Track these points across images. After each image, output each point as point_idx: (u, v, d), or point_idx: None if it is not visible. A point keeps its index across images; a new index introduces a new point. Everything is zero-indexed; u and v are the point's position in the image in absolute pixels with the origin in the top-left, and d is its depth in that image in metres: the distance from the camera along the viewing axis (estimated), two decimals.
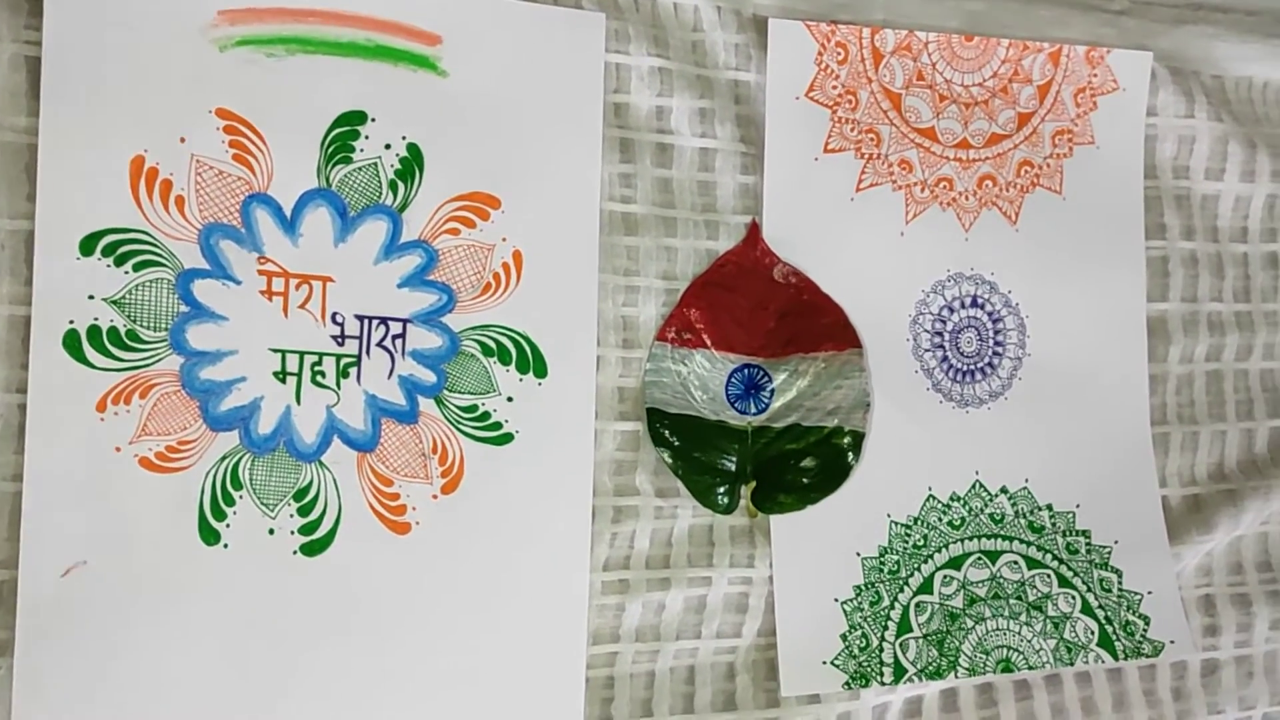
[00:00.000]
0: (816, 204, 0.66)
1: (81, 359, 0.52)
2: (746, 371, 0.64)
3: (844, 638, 0.65)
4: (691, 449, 0.63)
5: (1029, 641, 0.68)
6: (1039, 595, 0.69)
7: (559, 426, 0.60)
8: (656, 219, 0.63)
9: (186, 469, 0.54)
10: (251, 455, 0.55)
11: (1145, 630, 0.70)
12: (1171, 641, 0.70)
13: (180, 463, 0.54)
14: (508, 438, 0.59)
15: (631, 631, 0.62)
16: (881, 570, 0.66)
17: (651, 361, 0.63)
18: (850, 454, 0.64)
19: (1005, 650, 0.68)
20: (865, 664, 0.65)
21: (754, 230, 0.65)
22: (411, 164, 0.58)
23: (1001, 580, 0.68)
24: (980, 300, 0.70)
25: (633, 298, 0.63)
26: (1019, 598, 0.68)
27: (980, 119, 0.70)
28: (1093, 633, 0.69)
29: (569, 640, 0.60)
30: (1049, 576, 0.69)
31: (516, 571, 0.59)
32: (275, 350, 0.56)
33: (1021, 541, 0.69)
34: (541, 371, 0.60)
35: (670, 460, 0.62)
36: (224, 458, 0.55)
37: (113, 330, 0.53)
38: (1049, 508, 0.70)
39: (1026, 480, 0.69)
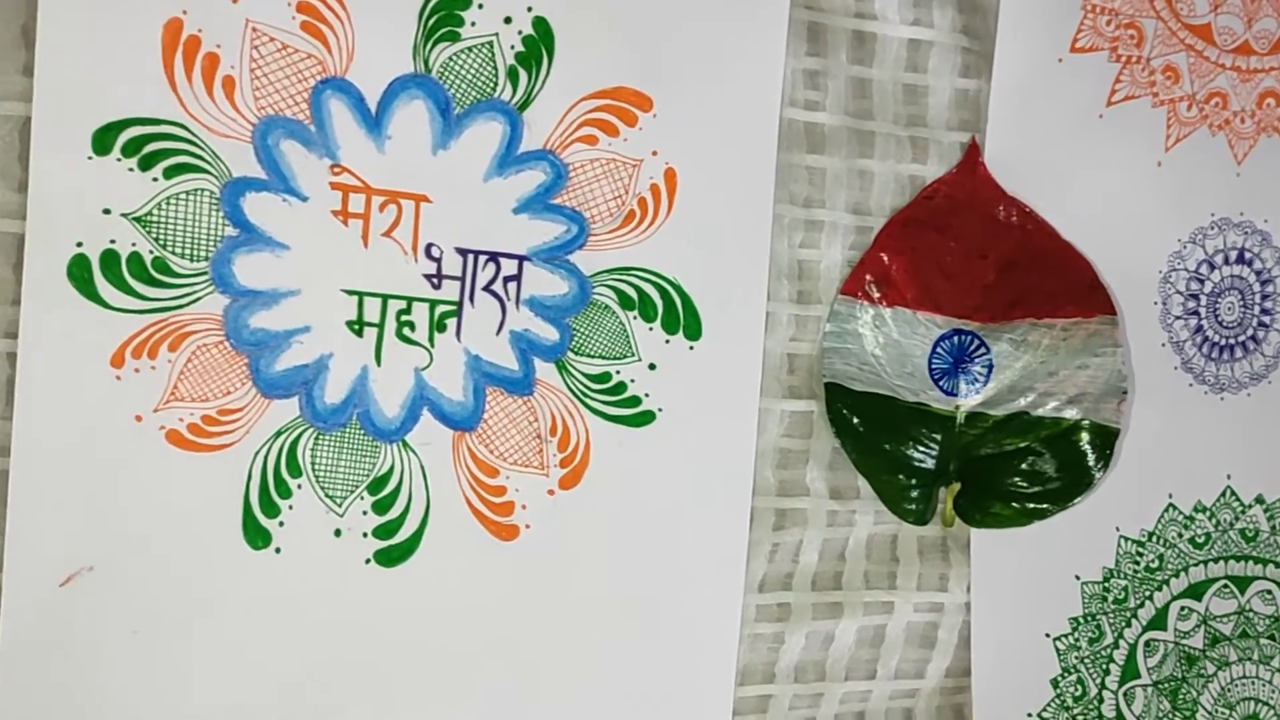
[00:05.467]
0: (1057, 120, 0.50)
1: (92, 295, 0.38)
2: (956, 339, 0.48)
3: (1055, 684, 0.51)
4: (880, 438, 0.48)
5: None
6: None
7: (714, 404, 0.46)
8: (849, 133, 0.48)
9: (229, 447, 0.40)
10: (315, 431, 0.41)
11: None
12: None
13: (222, 438, 0.40)
14: (648, 416, 0.45)
15: (790, 669, 0.48)
16: (1105, 599, 0.51)
17: (833, 322, 0.47)
18: (1092, 456, 0.49)
19: (1254, 704, 0.53)
20: (1081, 717, 0.50)
21: (973, 151, 0.49)
22: (538, 46, 0.42)
23: (1251, 615, 0.53)
24: (1248, 255, 0.53)
25: (813, 237, 0.47)
26: (1272, 637, 0.53)
27: (1269, 16, 0.53)
28: None
29: (714, 680, 0.46)
30: None
31: (652, 591, 0.45)
32: (350, 292, 0.41)
33: (1279, 565, 0.54)
34: (694, 331, 0.45)
35: (852, 452, 0.47)
36: (279, 433, 0.41)
37: (135, 257, 0.39)
38: None
39: None
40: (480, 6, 0.42)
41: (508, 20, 0.42)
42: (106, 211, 0.39)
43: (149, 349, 0.39)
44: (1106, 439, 0.49)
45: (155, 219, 0.39)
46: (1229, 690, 0.53)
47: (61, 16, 0.38)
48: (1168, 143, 0.52)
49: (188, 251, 0.40)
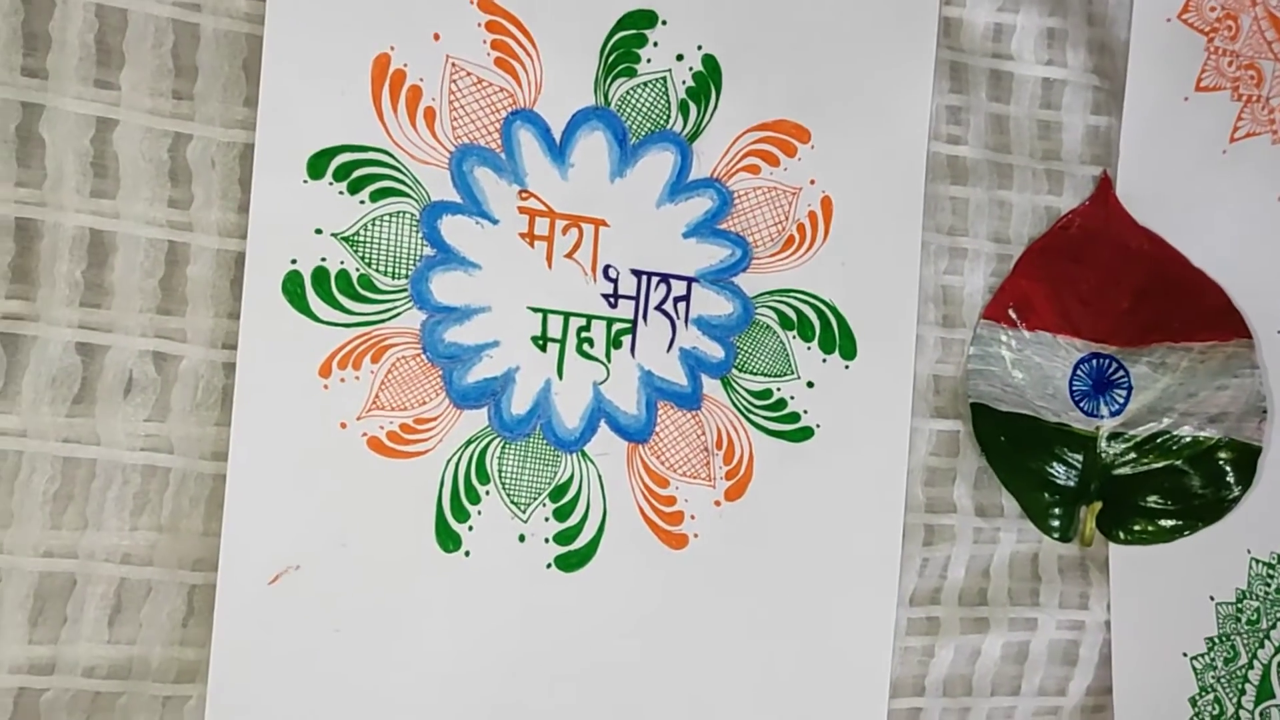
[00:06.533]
0: (1183, 155, 0.52)
1: (304, 309, 0.41)
2: (1096, 362, 0.50)
3: (1193, 702, 0.52)
4: (1025, 458, 0.49)
5: None
6: None
7: (868, 422, 0.47)
8: (989, 166, 0.50)
9: (424, 454, 0.42)
10: (502, 440, 0.43)
11: None
12: None
13: (418, 445, 0.42)
14: (806, 432, 0.46)
15: (939, 683, 0.49)
16: (1239, 619, 0.52)
17: (976, 345, 0.50)
18: (1233, 474, 0.50)
19: None
20: None
21: (1105, 184, 0.51)
22: (707, 81, 0.45)
23: None
24: None
25: (957, 264, 0.50)
26: None
27: None
28: None
29: (869, 691, 0.47)
30: None
31: (809, 602, 0.47)
32: (535, 310, 0.44)
33: None
34: (849, 352, 0.47)
35: (999, 471, 0.49)
36: (469, 442, 0.43)
37: (343, 274, 0.41)
38: None
39: None
40: (655, 44, 0.45)
41: (680, 57, 0.45)
42: (318, 231, 0.42)
43: (354, 360, 0.42)
44: (1248, 457, 0.50)
45: (362, 239, 0.42)
46: None
47: (283, 52, 0.41)
48: None
49: (390, 269, 0.42)
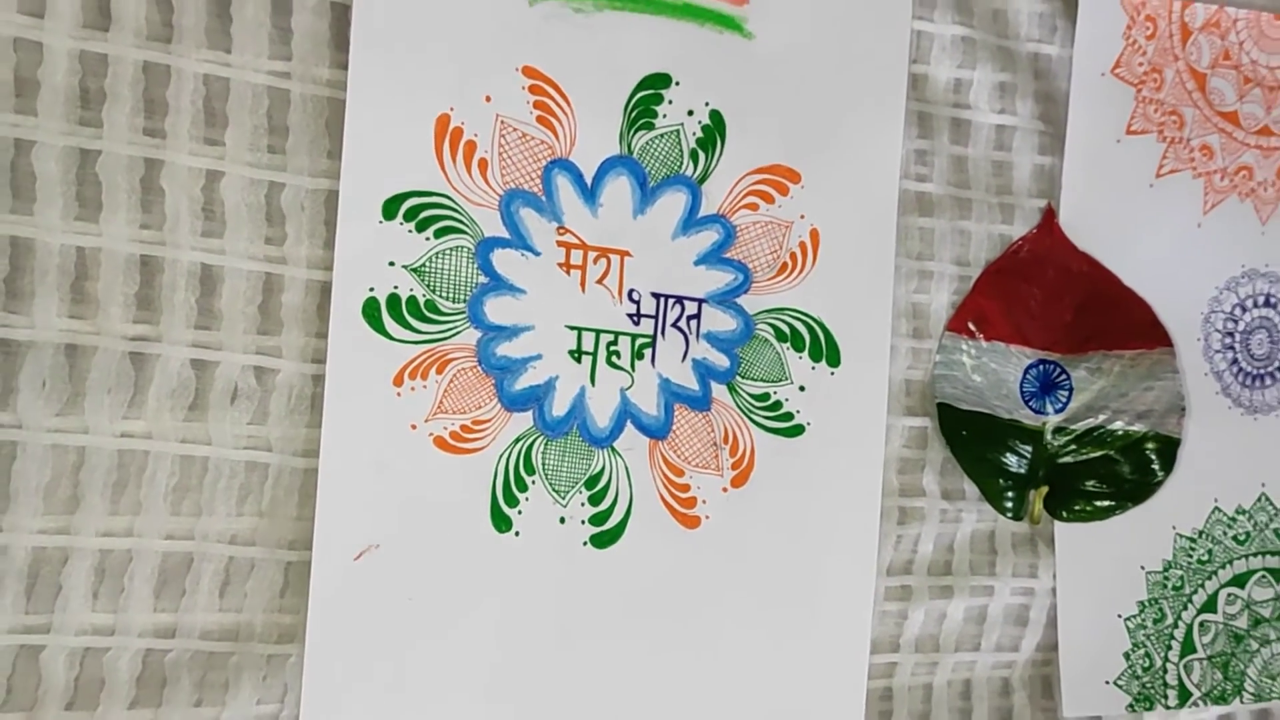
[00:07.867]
0: (1116, 189, 0.61)
1: (380, 329, 0.49)
2: (1042, 367, 0.59)
3: (1127, 656, 0.61)
4: (983, 449, 0.58)
5: None
6: None
7: (851, 420, 0.56)
8: (951, 200, 0.59)
9: (480, 450, 0.51)
10: (545, 438, 0.51)
11: None
12: None
13: (474, 444, 0.50)
14: (799, 430, 0.55)
15: (911, 641, 0.58)
16: (1165, 585, 0.62)
17: (941, 354, 0.58)
18: (1158, 462, 0.59)
19: None
20: (1149, 685, 0.61)
21: (1049, 215, 0.60)
22: (713, 132, 0.54)
23: None
24: (1274, 300, 0.64)
25: (925, 284, 0.58)
26: None
27: None
28: None
29: (852, 648, 0.56)
30: None
31: (802, 573, 0.55)
32: (572, 328, 0.52)
33: None
34: (834, 360, 0.56)
35: (961, 460, 0.58)
36: (517, 440, 0.51)
37: (412, 300, 0.50)
38: None
39: None
40: (670, 102, 0.53)
41: (690, 112, 0.54)
42: (391, 264, 0.50)
43: (421, 372, 0.50)
44: (1169, 447, 0.60)
45: (427, 270, 0.50)
46: (1270, 664, 0.64)
47: (362, 114, 0.49)
48: (1205, 207, 0.64)
49: (450, 295, 0.51)
